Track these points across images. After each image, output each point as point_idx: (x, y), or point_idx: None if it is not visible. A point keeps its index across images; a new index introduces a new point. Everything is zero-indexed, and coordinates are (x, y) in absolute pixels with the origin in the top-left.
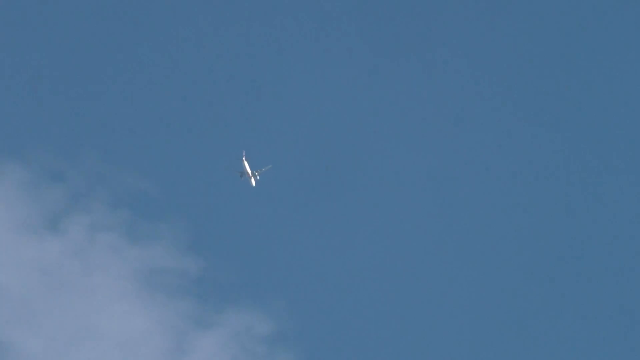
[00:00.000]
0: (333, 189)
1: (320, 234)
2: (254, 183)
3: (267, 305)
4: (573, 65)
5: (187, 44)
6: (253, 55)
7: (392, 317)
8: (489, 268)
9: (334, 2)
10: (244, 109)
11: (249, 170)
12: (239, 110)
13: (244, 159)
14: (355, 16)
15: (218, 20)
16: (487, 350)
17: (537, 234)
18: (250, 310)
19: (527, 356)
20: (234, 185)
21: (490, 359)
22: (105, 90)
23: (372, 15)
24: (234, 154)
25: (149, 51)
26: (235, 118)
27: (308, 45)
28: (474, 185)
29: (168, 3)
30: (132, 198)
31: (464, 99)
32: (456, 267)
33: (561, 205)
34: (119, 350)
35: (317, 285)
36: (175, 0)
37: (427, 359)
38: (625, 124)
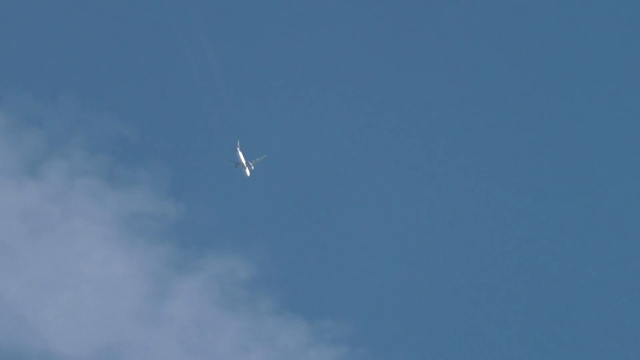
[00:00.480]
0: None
1: (300, 175)
2: (248, 173)
3: (248, 249)
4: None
5: None
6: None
7: (373, 259)
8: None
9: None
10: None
11: (243, 161)
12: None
13: (238, 149)
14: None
15: None
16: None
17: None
18: (230, 254)
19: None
20: (214, 130)
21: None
22: (84, 34)
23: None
24: (228, 145)
25: None
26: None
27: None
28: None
29: None
30: (111, 143)
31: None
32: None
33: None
34: (99, 295)
35: (298, 230)
36: None
37: (408, 298)
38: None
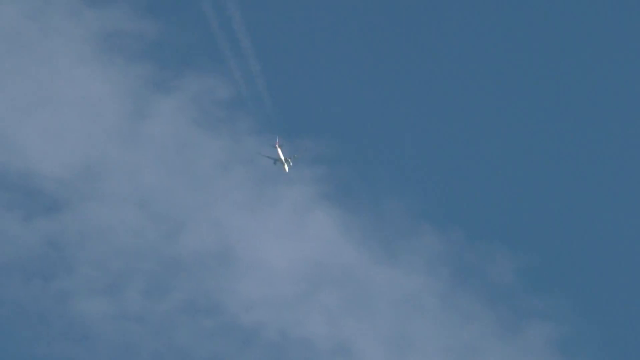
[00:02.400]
0: None
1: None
2: (287, 169)
3: (228, 69)
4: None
5: None
6: None
7: (354, 78)
8: None
9: None
10: None
11: (282, 157)
12: None
13: (277, 146)
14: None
15: None
16: None
17: None
18: (210, 74)
19: None
20: None
21: None
22: None
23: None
24: (268, 143)
25: None
26: None
27: None
28: None
29: None
30: None
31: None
32: None
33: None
34: (78, 114)
35: (277, 51)
36: None
37: (390, 117)
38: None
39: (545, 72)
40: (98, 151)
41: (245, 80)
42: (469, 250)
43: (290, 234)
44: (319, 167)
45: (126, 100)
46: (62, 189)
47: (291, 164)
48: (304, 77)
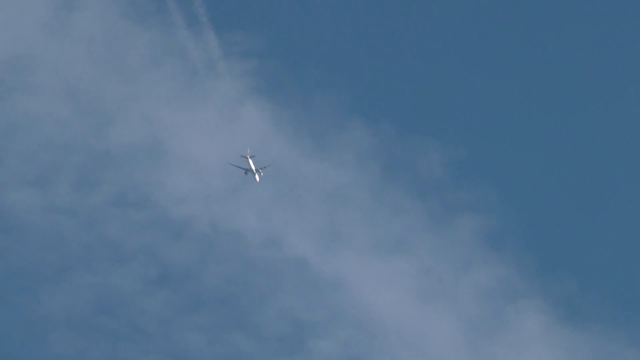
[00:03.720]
0: None
1: None
2: (258, 179)
3: None
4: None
5: None
6: None
7: None
8: None
9: None
10: None
11: (253, 167)
12: None
13: (248, 156)
14: None
15: None
16: None
17: None
18: None
19: None
20: None
21: None
22: None
23: None
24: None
25: None
26: None
27: None
28: None
29: None
30: None
31: None
32: None
33: None
34: (4, 7)
35: None
36: None
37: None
38: None
39: None
40: (26, 43)
41: None
42: (399, 144)
43: (220, 128)
44: (250, 61)
45: None
46: None
47: (262, 173)
48: None
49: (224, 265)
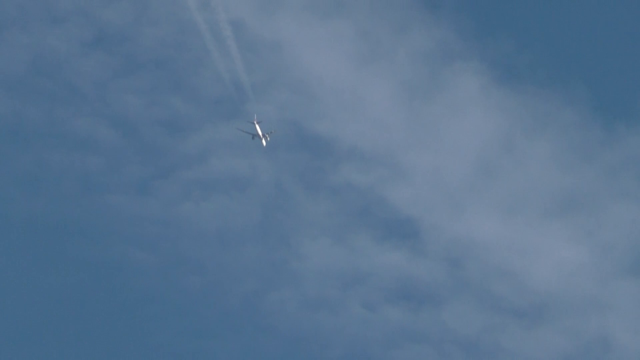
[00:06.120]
0: None
1: None
2: (264, 143)
3: None
4: None
5: None
6: None
7: None
8: None
9: None
10: None
11: (260, 132)
12: None
13: (255, 122)
14: None
15: None
16: None
17: None
18: None
19: None
20: None
21: None
22: None
23: None
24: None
25: None
26: None
27: None
28: None
29: None
30: None
31: None
32: None
33: None
34: None
35: None
36: None
37: None
38: None
39: None
40: None
41: None
42: None
43: None
44: None
45: None
46: None
47: (268, 139)
48: None
49: (159, 27)
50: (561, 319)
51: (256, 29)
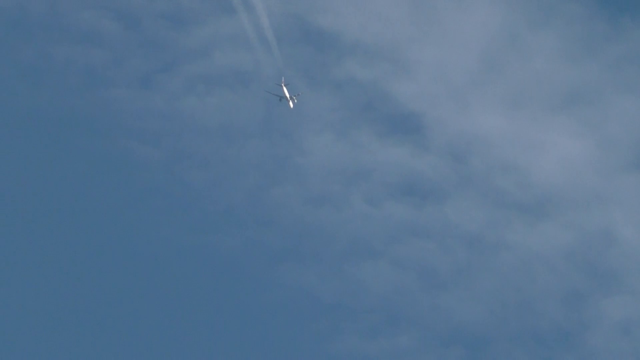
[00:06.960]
0: None
1: None
2: (292, 105)
3: None
4: None
5: None
6: None
7: None
8: None
9: None
10: None
11: (287, 95)
12: None
13: (282, 84)
14: None
15: None
16: None
17: None
18: None
19: None
20: None
21: None
22: None
23: None
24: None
25: None
26: None
27: None
28: None
29: None
30: None
31: None
32: None
33: None
34: None
35: None
36: None
37: None
38: None
39: None
40: None
41: None
42: None
43: None
44: None
45: None
46: None
47: (295, 101)
48: None
49: None
50: (565, 213)
51: None
